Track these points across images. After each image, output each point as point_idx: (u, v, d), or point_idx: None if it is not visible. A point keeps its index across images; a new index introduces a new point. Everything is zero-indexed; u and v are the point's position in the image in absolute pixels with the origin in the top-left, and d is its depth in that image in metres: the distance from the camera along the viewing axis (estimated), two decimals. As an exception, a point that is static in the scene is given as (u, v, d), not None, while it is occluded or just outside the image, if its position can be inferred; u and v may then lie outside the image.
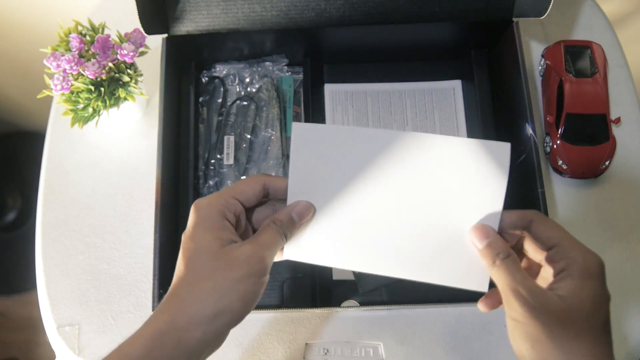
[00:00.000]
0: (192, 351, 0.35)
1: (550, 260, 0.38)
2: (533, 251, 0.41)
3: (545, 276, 0.39)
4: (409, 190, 0.41)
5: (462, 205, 0.41)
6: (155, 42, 0.60)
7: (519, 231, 0.40)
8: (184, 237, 0.38)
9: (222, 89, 0.68)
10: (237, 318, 0.36)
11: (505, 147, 0.40)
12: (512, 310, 0.36)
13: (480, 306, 0.42)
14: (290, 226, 0.41)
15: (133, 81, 0.59)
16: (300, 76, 0.68)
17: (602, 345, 0.35)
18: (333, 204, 0.42)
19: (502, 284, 0.37)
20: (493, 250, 0.38)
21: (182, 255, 0.38)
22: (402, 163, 0.41)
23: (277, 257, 0.43)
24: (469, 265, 0.41)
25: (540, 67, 0.68)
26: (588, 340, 0.35)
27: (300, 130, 0.42)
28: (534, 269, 0.42)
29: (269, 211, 0.43)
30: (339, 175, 0.42)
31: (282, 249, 0.43)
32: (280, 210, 0.41)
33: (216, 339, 0.36)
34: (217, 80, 0.68)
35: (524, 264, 0.42)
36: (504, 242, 0.39)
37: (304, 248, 0.43)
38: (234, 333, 0.58)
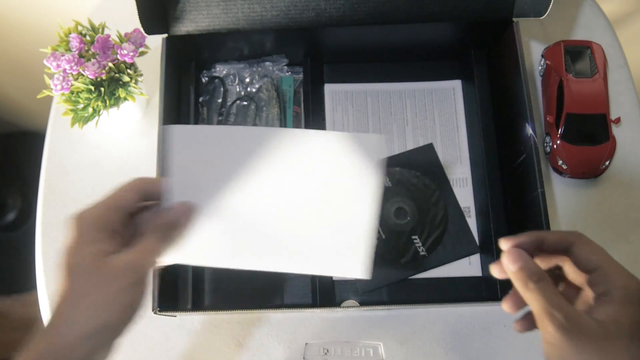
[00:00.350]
0: None
1: (590, 283, 0.38)
2: (573, 274, 0.40)
3: (586, 300, 0.39)
4: (288, 186, 0.42)
5: (340, 197, 0.42)
6: (155, 42, 0.60)
7: (560, 254, 0.40)
8: (64, 252, 0.38)
9: (222, 89, 0.68)
10: (119, 330, 0.37)
11: (379, 139, 0.41)
12: (548, 334, 0.35)
13: (517, 326, 0.42)
14: (170, 228, 0.40)
15: (133, 81, 0.59)
16: (300, 76, 0.68)
17: None
18: (213, 203, 0.42)
19: (536, 307, 0.37)
20: (525, 273, 0.38)
21: (63, 272, 0.37)
22: (280, 159, 0.42)
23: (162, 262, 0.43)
24: (350, 255, 0.41)
25: (540, 67, 0.68)
26: None
27: (174, 132, 0.42)
28: (572, 293, 0.42)
29: (150, 214, 0.42)
30: (218, 175, 0.42)
31: None
32: (159, 214, 0.41)
33: (100, 352, 0.36)
34: (217, 80, 0.68)
35: (561, 287, 0.42)
36: (537, 265, 0.38)
37: (186, 250, 0.42)
38: (234, 333, 0.58)
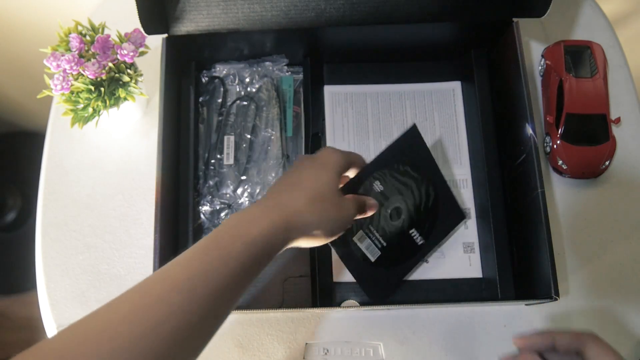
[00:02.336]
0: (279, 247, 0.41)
1: None
2: None
3: None
4: None
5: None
6: (155, 42, 0.60)
7: (572, 354, 0.41)
8: (311, 161, 0.47)
9: (222, 89, 0.68)
10: (322, 238, 0.44)
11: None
12: None
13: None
14: (364, 209, 0.49)
15: (133, 81, 0.59)
16: (300, 76, 0.68)
17: None
18: None
19: None
20: None
21: (305, 174, 0.45)
22: None
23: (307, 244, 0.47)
24: None
25: (540, 67, 0.68)
26: None
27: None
28: None
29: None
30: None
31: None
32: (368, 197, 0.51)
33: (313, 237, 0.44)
34: (217, 80, 0.68)
35: None
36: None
37: None
38: (234, 333, 0.59)
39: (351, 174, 0.51)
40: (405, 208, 0.56)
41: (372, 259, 0.56)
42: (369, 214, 0.51)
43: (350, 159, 0.49)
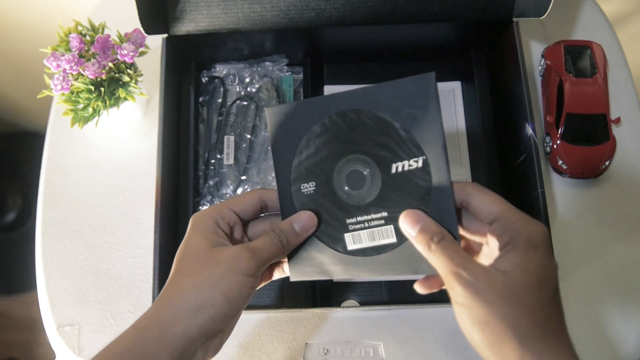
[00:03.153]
0: (176, 347, 0.35)
1: (492, 234, 0.37)
2: (472, 228, 0.39)
3: (488, 253, 0.38)
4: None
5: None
6: (155, 42, 0.60)
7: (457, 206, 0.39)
8: (182, 242, 0.40)
9: (222, 89, 0.68)
10: (220, 315, 0.36)
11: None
12: (456, 295, 0.34)
13: (418, 287, 0.41)
14: (290, 235, 0.40)
15: (133, 81, 0.59)
16: (300, 76, 0.68)
17: (553, 319, 0.34)
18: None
19: (441, 269, 0.36)
20: (426, 235, 0.37)
21: (175, 259, 0.39)
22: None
23: (276, 275, 0.44)
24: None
25: (540, 67, 0.68)
26: (538, 315, 0.33)
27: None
28: (474, 249, 0.41)
29: (266, 225, 0.43)
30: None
31: (278, 265, 0.43)
32: (285, 220, 0.41)
33: (201, 337, 0.36)
34: (217, 80, 0.68)
35: (462, 244, 0.40)
36: (437, 224, 0.37)
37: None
38: (234, 333, 0.58)
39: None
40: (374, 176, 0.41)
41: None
42: (307, 233, 0.41)
43: (232, 202, 0.41)
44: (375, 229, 0.41)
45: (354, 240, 0.41)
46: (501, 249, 0.36)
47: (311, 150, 0.42)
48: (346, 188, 0.41)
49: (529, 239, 0.35)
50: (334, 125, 0.41)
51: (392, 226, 0.40)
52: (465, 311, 0.34)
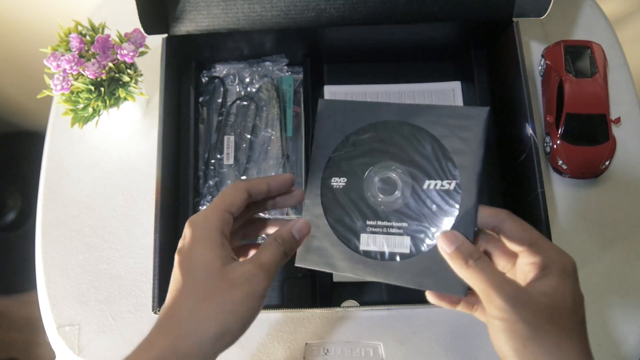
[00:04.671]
0: None
1: (526, 259, 0.38)
2: (500, 253, 0.41)
3: (520, 276, 0.39)
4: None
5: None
6: (155, 42, 0.60)
7: (490, 230, 0.40)
8: (181, 254, 0.38)
9: (222, 89, 0.68)
10: (234, 339, 0.37)
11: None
12: (496, 309, 0.35)
13: (429, 296, 0.42)
14: (292, 243, 0.41)
15: (133, 81, 0.59)
16: (300, 76, 0.68)
17: (584, 341, 0.36)
18: None
19: (480, 284, 0.36)
20: (462, 253, 0.38)
21: (181, 272, 0.37)
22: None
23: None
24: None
25: (540, 67, 0.68)
26: (573, 336, 0.35)
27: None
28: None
29: (272, 222, 0.45)
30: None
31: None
32: (281, 227, 0.41)
33: (214, 358, 0.36)
34: (217, 80, 0.68)
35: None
36: (473, 245, 0.39)
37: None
38: (234, 333, 0.58)
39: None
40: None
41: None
42: (305, 238, 0.42)
43: (226, 203, 0.39)
44: (392, 236, 0.42)
45: (368, 242, 0.42)
46: (537, 272, 0.37)
47: (351, 148, 0.43)
48: (376, 191, 0.43)
49: (564, 267, 0.37)
50: (382, 131, 0.43)
51: (409, 238, 0.41)
52: (505, 326, 0.35)
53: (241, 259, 0.39)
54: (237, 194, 0.40)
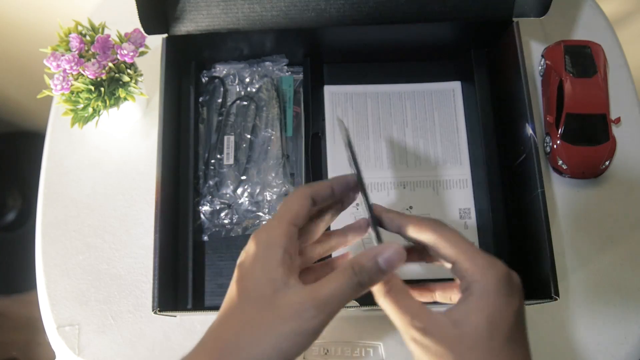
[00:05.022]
0: None
1: (455, 276, 0.35)
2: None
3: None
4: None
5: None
6: (155, 42, 0.60)
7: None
8: (240, 270, 0.35)
9: (222, 89, 0.68)
10: None
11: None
12: (412, 343, 0.33)
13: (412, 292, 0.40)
14: (373, 273, 0.34)
15: (133, 81, 0.59)
16: (300, 76, 0.68)
17: None
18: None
19: (394, 319, 0.35)
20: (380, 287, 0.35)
21: (236, 290, 0.35)
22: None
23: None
24: None
25: (540, 67, 0.68)
26: None
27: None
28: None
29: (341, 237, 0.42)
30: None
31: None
32: (364, 252, 0.34)
33: None
34: (217, 80, 0.68)
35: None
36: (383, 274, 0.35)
37: None
38: (234, 333, 0.58)
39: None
40: None
41: None
42: (382, 278, 0.35)
43: (292, 214, 0.36)
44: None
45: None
46: (460, 294, 0.34)
47: None
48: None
49: (484, 285, 0.33)
50: None
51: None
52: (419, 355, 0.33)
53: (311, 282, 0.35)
54: (303, 202, 0.36)
